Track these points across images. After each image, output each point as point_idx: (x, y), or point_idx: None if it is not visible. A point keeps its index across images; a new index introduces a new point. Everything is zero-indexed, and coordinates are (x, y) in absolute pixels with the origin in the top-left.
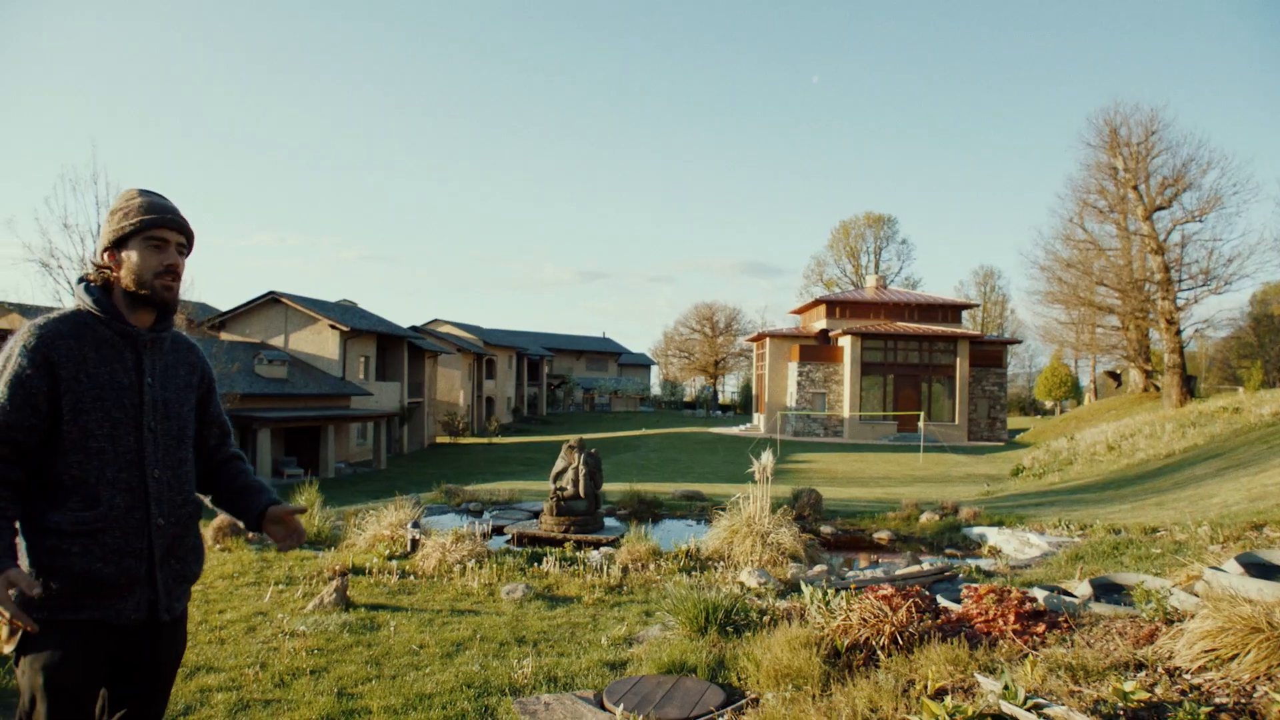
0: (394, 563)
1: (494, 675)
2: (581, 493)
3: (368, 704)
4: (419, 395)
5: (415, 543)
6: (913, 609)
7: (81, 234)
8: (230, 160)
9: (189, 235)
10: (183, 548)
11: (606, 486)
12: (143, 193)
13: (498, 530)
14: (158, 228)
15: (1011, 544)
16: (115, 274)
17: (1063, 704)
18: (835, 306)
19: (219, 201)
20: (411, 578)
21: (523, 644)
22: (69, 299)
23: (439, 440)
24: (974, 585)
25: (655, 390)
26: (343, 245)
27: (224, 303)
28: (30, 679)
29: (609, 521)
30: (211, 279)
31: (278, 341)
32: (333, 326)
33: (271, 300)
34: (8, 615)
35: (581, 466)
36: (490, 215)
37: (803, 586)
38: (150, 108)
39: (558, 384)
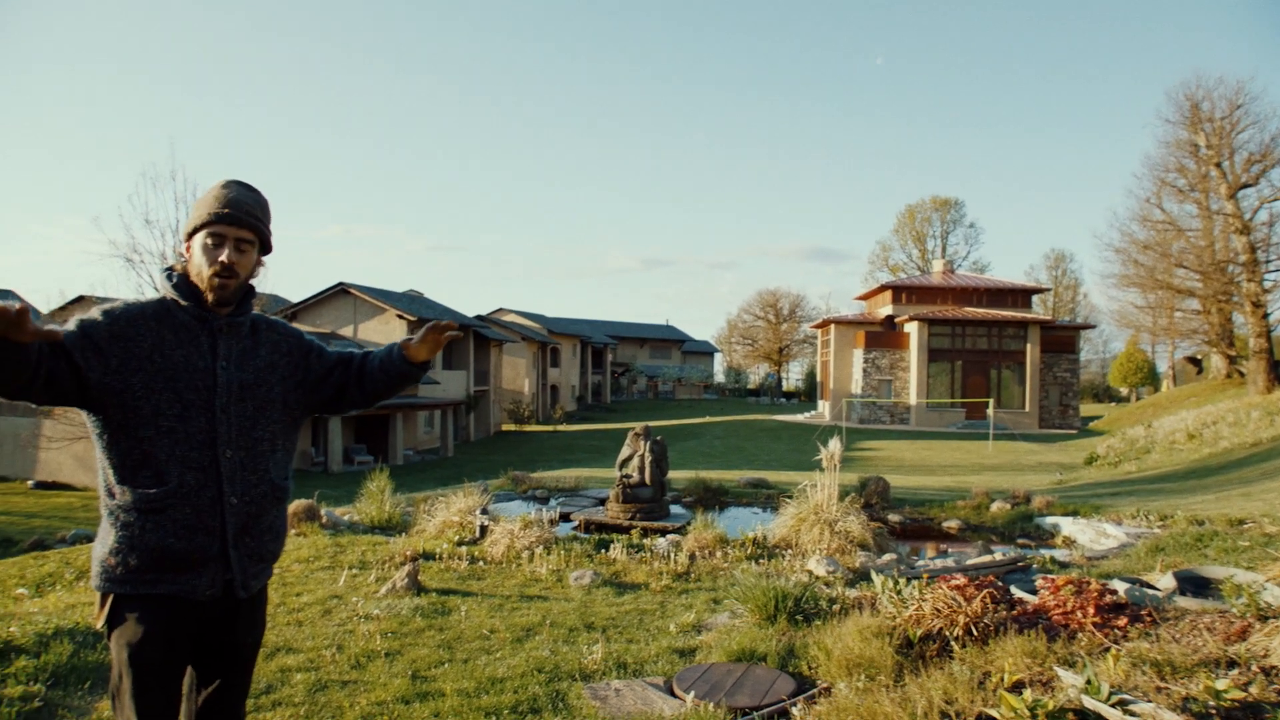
0: (463, 548)
1: (564, 661)
2: (647, 480)
3: (441, 687)
4: (485, 383)
5: (484, 529)
6: (987, 599)
7: (161, 229)
8: (301, 153)
9: (256, 230)
10: (259, 527)
11: (671, 474)
12: (225, 186)
13: (564, 517)
14: (216, 224)
15: (1087, 534)
16: (189, 264)
17: (1149, 701)
18: (901, 292)
19: (291, 195)
20: (481, 563)
21: (591, 630)
22: (151, 293)
23: (504, 428)
24: (1050, 576)
25: (719, 377)
26: (410, 236)
27: (295, 294)
28: (117, 653)
29: (674, 509)
30: (284, 271)
31: (347, 332)
32: (400, 316)
33: (341, 291)
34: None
35: (647, 454)
36: (555, 204)
37: (873, 575)
38: (224, 102)
39: (621, 372)
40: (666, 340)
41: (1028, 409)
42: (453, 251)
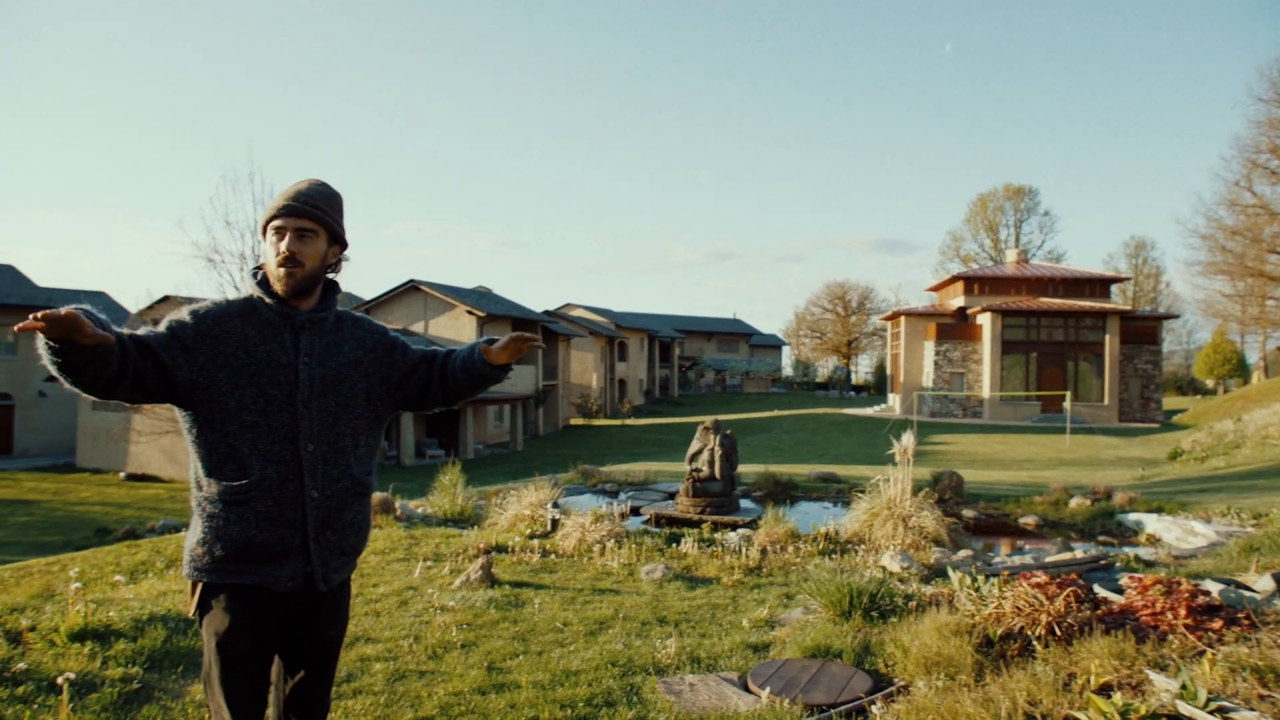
0: (535, 541)
1: (637, 654)
2: (717, 474)
3: (516, 679)
4: (553, 378)
5: (555, 522)
6: (1071, 598)
7: (240, 230)
8: (371, 152)
9: (317, 219)
10: (340, 521)
11: (740, 468)
12: (295, 183)
13: (634, 511)
14: (279, 216)
15: (1173, 532)
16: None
17: (1252, 709)
18: (974, 283)
19: (362, 194)
20: (552, 556)
21: (664, 624)
22: (233, 292)
23: (573, 422)
24: (1136, 575)
25: (787, 371)
26: (478, 233)
27: (367, 291)
28: (207, 641)
29: (744, 503)
30: (356, 269)
31: (418, 328)
32: (469, 312)
33: (411, 288)
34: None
35: (717, 448)
36: (621, 198)
37: (949, 572)
38: (298, 103)
39: (689, 366)
40: (734, 334)
41: (1106, 402)
42: (520, 248)
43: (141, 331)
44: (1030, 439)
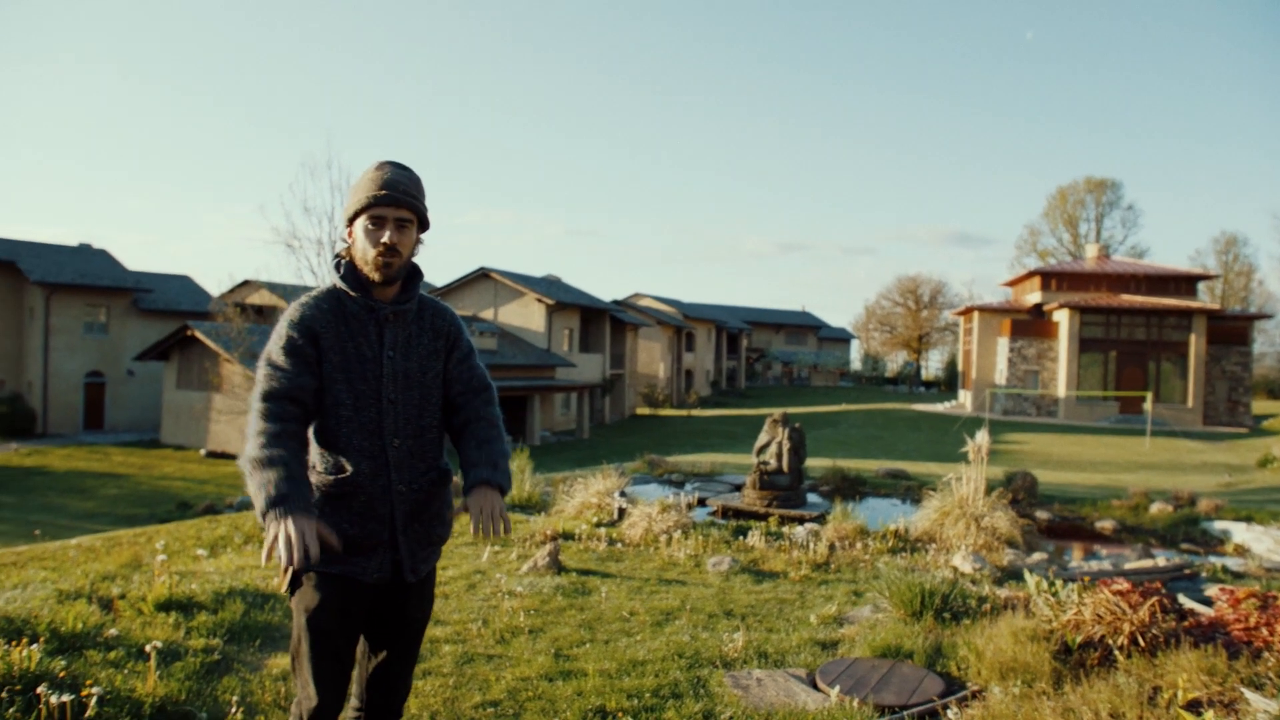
0: (601, 530)
1: (704, 647)
2: (785, 467)
3: (583, 666)
4: (620, 367)
5: (622, 511)
6: (1155, 608)
7: (319, 216)
8: (442, 138)
9: (414, 209)
10: (426, 513)
11: (807, 462)
12: (379, 167)
13: (700, 502)
14: (376, 206)
15: (1264, 543)
16: (353, 249)
17: None
18: (1051, 278)
19: (433, 181)
20: (619, 545)
21: (731, 617)
22: (309, 277)
23: (639, 411)
24: (1226, 587)
25: (856, 365)
26: (547, 221)
27: (438, 279)
28: (297, 619)
29: (811, 497)
30: (427, 255)
31: (488, 315)
32: (539, 300)
33: (482, 275)
34: (294, 549)
35: (785, 441)
36: (690, 187)
37: (1025, 575)
38: (372, 88)
39: (756, 357)
40: (802, 326)
41: (1190, 404)
42: (589, 236)
43: (286, 386)
44: (1107, 440)
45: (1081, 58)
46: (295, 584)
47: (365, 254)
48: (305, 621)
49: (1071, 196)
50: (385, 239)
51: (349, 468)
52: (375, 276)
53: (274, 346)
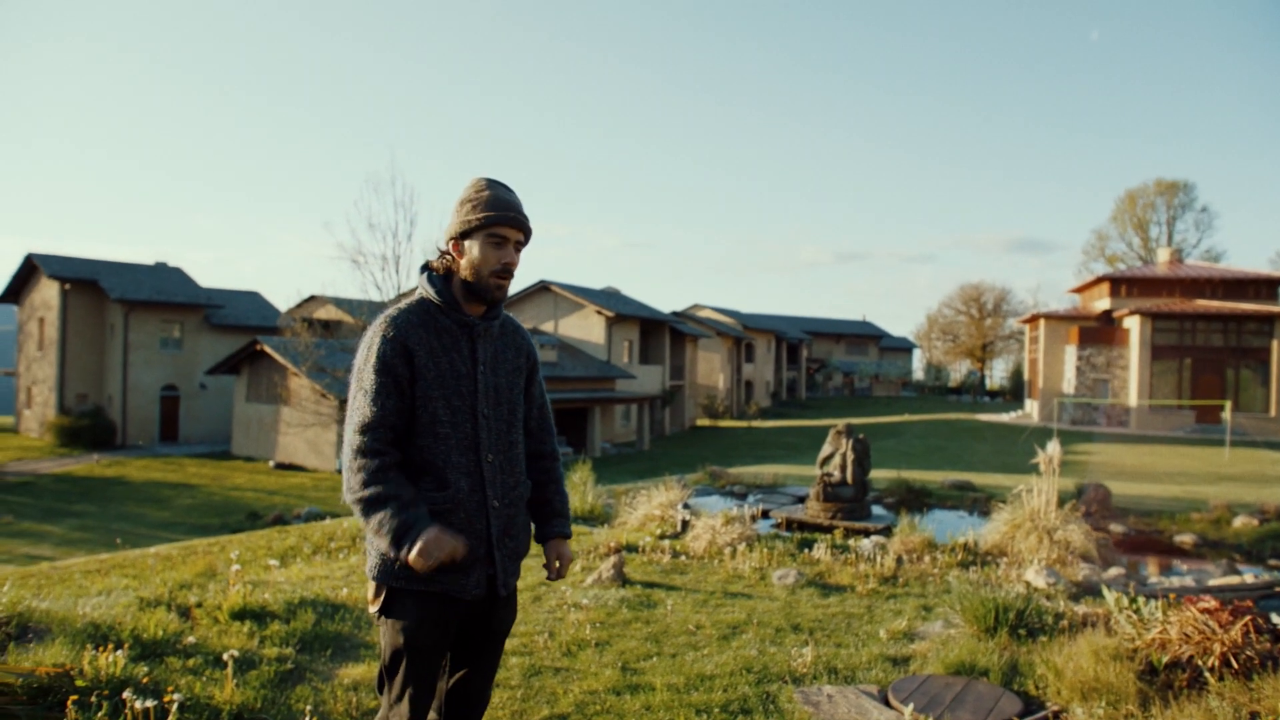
0: (665, 542)
1: (772, 661)
2: (849, 479)
3: (651, 680)
4: (680, 378)
5: (685, 524)
6: (1249, 628)
7: (383, 232)
8: (498, 153)
9: (527, 232)
10: (515, 527)
11: (871, 473)
12: (490, 185)
13: (763, 514)
14: (500, 225)
15: None
16: (457, 263)
17: None
18: (1121, 284)
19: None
20: (683, 558)
21: (798, 631)
22: (374, 292)
23: (699, 423)
24: None
25: (918, 375)
26: (604, 234)
27: None
28: (391, 638)
29: (875, 509)
30: None
31: (548, 327)
32: (598, 312)
33: (542, 288)
34: (445, 556)
35: (849, 452)
36: (746, 199)
37: (1104, 591)
38: (433, 104)
39: (817, 368)
40: (863, 336)
41: (1273, 413)
42: (646, 248)
43: (379, 414)
44: (1183, 451)
45: (1149, 57)
46: (389, 606)
47: (479, 271)
48: (402, 641)
49: (1141, 200)
50: (507, 260)
51: (449, 484)
52: (495, 295)
53: (366, 364)
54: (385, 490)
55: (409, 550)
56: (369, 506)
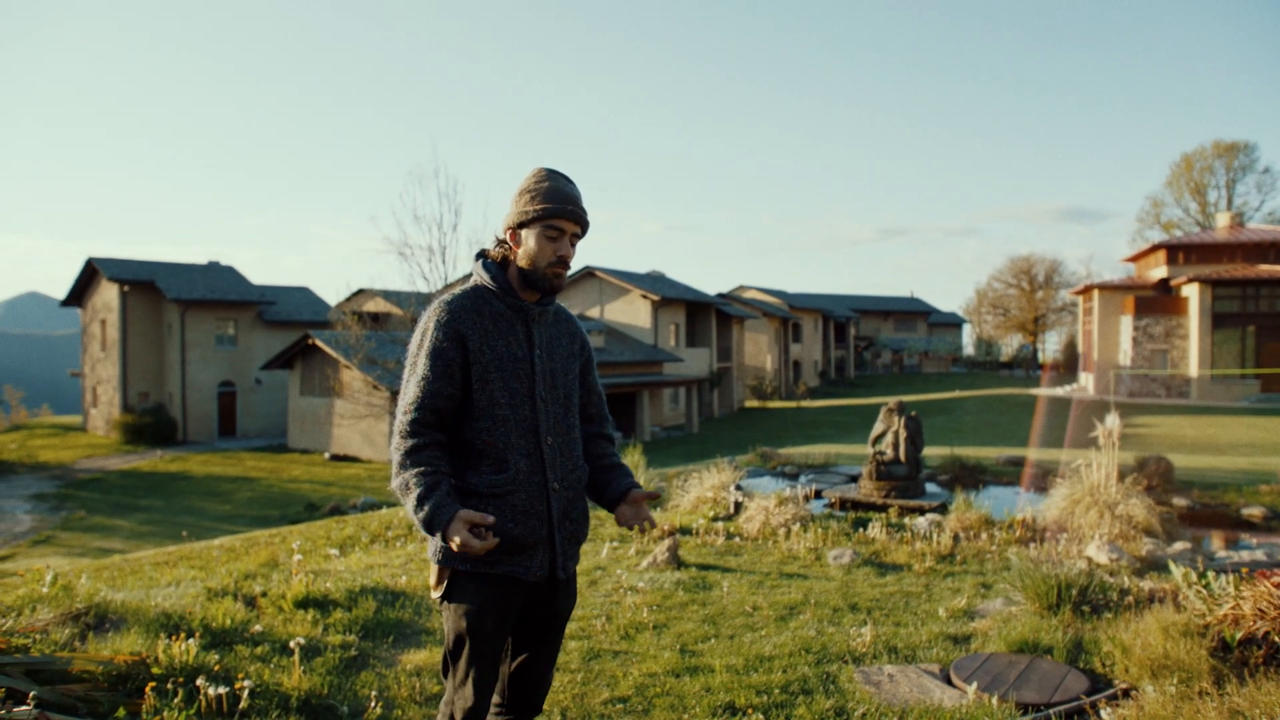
0: (719, 524)
1: (830, 642)
2: (902, 456)
3: (709, 662)
4: (727, 360)
5: (738, 505)
6: None
7: (428, 224)
8: (539, 140)
9: (585, 225)
10: (575, 511)
11: (924, 451)
12: (550, 175)
13: (816, 494)
14: (557, 218)
15: None
16: (514, 252)
17: None
18: (1178, 251)
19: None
20: (737, 539)
21: (856, 611)
22: (421, 283)
23: (747, 404)
24: None
25: (968, 350)
26: (645, 218)
27: None
28: (454, 622)
29: (929, 487)
30: None
31: (594, 313)
32: (644, 296)
33: (587, 274)
34: (475, 547)
35: (902, 430)
36: (788, 178)
37: (1171, 566)
38: (474, 95)
39: (865, 346)
40: (911, 312)
41: None
42: (688, 231)
43: (425, 397)
44: (1248, 421)
45: (1201, 17)
46: (452, 590)
47: (536, 262)
48: (466, 626)
49: (1199, 163)
50: (564, 252)
51: (509, 466)
52: (551, 286)
53: (419, 349)
54: (420, 474)
55: (441, 532)
56: (405, 489)
